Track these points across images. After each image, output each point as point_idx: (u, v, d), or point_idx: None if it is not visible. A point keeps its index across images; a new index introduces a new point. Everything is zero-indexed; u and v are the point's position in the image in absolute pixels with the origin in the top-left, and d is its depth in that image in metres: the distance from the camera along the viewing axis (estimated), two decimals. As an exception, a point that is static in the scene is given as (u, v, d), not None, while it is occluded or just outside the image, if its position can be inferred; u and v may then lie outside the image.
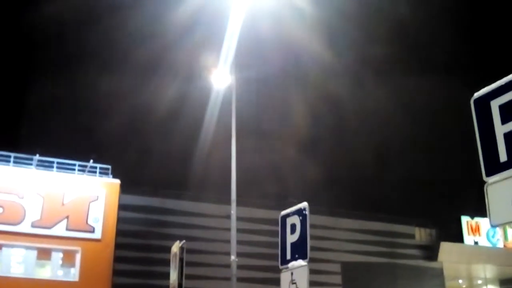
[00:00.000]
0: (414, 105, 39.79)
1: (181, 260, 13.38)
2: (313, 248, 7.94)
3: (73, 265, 25.44)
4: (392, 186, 38.12)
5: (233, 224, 18.19)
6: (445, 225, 36.57)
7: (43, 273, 25.22)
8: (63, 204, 25.69)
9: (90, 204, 26.08)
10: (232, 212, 18.25)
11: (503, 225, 4.86)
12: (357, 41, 35.69)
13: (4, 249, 24.66)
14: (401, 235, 35.94)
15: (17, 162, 26.26)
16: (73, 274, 25.32)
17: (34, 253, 24.98)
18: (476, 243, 36.24)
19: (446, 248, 35.44)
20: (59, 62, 35.79)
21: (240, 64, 19.40)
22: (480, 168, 4.85)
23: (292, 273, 7.95)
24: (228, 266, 17.96)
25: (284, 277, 8.11)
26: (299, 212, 8.09)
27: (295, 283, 7.84)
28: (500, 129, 4.72)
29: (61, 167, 26.90)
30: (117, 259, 26.38)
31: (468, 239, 36.04)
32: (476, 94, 5.05)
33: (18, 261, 24.97)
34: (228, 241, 18.33)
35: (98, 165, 27.38)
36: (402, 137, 38.93)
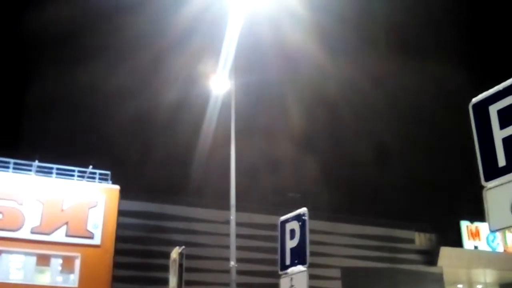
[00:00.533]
0: (413, 108, 39.81)
1: (180, 266, 13.39)
2: (312, 253, 7.95)
3: (72, 271, 25.38)
4: (391, 190, 38.09)
5: (233, 229, 18.18)
6: (444, 230, 36.57)
7: (42, 279, 25.16)
8: (62, 210, 25.65)
9: (90, 210, 26.05)
10: (231, 217, 18.25)
11: (502, 230, 4.86)
12: (356, 45, 35.75)
13: (3, 255, 24.61)
14: (401, 240, 35.94)
15: (16, 168, 26.24)
16: (73, 280, 25.25)
17: (33, 259, 24.93)
18: (476, 247, 36.24)
19: (446, 253, 35.43)
20: (58, 67, 35.80)
21: (239, 69, 19.44)
22: (479, 172, 4.86)
23: (291, 279, 7.96)
24: (227, 271, 17.94)
25: (284, 282, 8.12)
26: (299, 218, 8.11)
27: (294, 288, 7.85)
28: (498, 134, 4.73)
29: (60, 173, 26.87)
30: (116, 265, 26.33)
31: (468, 243, 36.04)
32: (474, 99, 5.06)
33: (17, 267, 24.92)
34: (228, 247, 18.31)
35: (98, 171, 27.36)
36: (401, 140, 38.94)
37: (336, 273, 32.95)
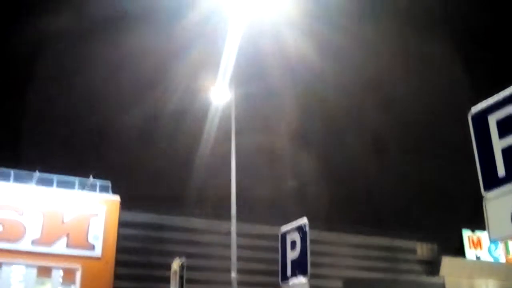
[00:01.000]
0: (413, 116, 39.81)
1: (181, 277, 13.37)
2: (314, 264, 7.93)
3: (73, 283, 25.29)
4: (392, 199, 38.04)
5: (233, 240, 18.14)
6: (446, 239, 36.46)
7: (43, 291, 25.12)
8: (63, 222, 25.61)
9: (90, 221, 26.00)
10: (232, 228, 18.22)
11: (502, 239, 4.87)
12: (357, 55, 35.80)
13: (4, 267, 24.53)
14: (402, 250, 35.80)
15: (17, 179, 26.22)
16: (74, 291, 25.20)
17: (34, 271, 24.86)
18: (478, 257, 36.11)
19: (448, 263, 35.29)
20: (59, 78, 35.88)
21: (240, 80, 19.47)
22: (479, 181, 4.87)
23: (292, 290, 7.93)
24: (228, 283, 17.89)
25: (285, 293, 8.10)
26: (299, 229, 8.09)
27: (295, 299, 7.82)
28: (498, 144, 4.74)
29: (61, 183, 26.85)
30: (117, 277, 26.24)
31: (470, 253, 35.92)
32: (474, 109, 5.08)
33: (18, 279, 24.82)
34: (229, 258, 18.27)
35: (98, 182, 27.33)
36: (403, 149, 38.93)
37: (338, 284, 32.79)
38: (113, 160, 34.11)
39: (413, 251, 36.30)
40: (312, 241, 8.04)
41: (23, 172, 26.55)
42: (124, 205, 27.47)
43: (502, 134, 4.74)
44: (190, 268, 14.92)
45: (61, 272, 25.59)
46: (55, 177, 26.84)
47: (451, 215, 38.83)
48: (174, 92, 30.15)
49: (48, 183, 26.62)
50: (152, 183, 34.10)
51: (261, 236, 29.98)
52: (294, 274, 8.04)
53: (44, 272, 25.13)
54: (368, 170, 40.12)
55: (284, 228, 8.48)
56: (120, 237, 26.95)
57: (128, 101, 34.87)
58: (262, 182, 33.51)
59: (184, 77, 27.80)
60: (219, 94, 19.55)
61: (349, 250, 33.90)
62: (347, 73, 34.75)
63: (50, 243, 25.11)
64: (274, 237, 10.15)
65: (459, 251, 35.93)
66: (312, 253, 7.93)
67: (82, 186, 27.21)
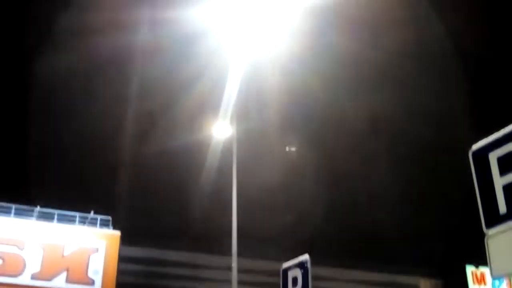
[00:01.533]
0: (413, 148, 39.80)
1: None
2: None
3: (72, 319, 25.04)
4: (395, 235, 37.81)
5: (234, 276, 18.05)
6: (450, 275, 36.15)
7: (42, 327, 24.82)
8: (63, 256, 25.49)
9: (90, 256, 25.87)
10: (233, 264, 18.13)
11: (504, 276, 4.86)
12: (360, 89, 36.00)
13: (3, 302, 24.36)
14: (406, 286, 35.49)
15: (18, 213, 26.21)
16: (73, 328, 24.92)
17: (33, 307, 24.65)
18: (481, 294, 35.75)
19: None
20: (57, 111, 36.07)
21: (241, 115, 19.62)
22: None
23: (294, 327, 7.86)
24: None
25: (287, 331, 8.02)
26: (301, 265, 8.06)
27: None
28: (499, 181, 4.77)
29: (61, 218, 26.82)
30: (117, 313, 25.97)
31: (474, 288, 35.59)
32: (474, 146, 5.13)
33: (17, 315, 24.60)
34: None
35: (99, 217, 27.29)
36: (404, 183, 38.85)
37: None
38: (114, 195, 34.07)
39: (417, 287, 35.96)
40: (314, 277, 8.01)
41: (24, 207, 26.56)
42: (125, 240, 27.36)
43: (503, 172, 4.78)
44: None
45: (60, 308, 25.35)
46: (56, 212, 26.83)
47: (455, 250, 38.52)
48: (176, 126, 30.33)
49: (49, 217, 26.60)
50: (153, 218, 33.98)
51: (262, 272, 29.77)
52: (296, 311, 7.98)
53: (43, 307, 24.90)
54: (371, 206, 40.00)
55: (286, 264, 8.45)
56: (120, 272, 26.77)
57: (131, 135, 34.98)
58: (264, 217, 33.41)
59: (186, 112, 28.01)
60: (221, 130, 19.67)
61: (352, 286, 33.60)
62: (352, 107, 34.90)
63: (49, 277, 24.94)
64: (275, 272, 10.10)
65: (463, 287, 35.59)
66: (314, 289, 7.88)
67: (83, 221, 27.15)
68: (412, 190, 40.27)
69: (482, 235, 4.85)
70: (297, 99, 29.41)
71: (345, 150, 37.50)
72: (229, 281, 18.67)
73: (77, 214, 27.29)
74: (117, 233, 27.10)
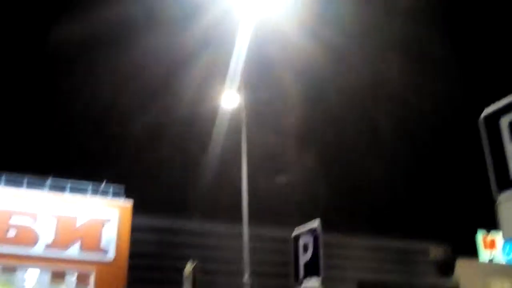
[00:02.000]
0: (425, 118, 39.62)
1: (194, 281, 13.35)
2: (327, 267, 7.88)
3: (87, 287, 25.39)
4: (406, 201, 37.85)
5: (246, 243, 18.10)
6: (460, 240, 36.24)
7: (57, 296, 25.22)
8: (76, 227, 25.75)
9: (103, 226, 26.11)
10: (244, 231, 18.17)
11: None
12: (367, 60, 35.70)
13: (18, 271, 24.69)
14: (416, 252, 35.65)
15: (30, 185, 26.38)
16: (87, 296, 25.29)
17: (48, 276, 24.99)
18: (491, 259, 35.83)
19: (463, 265, 35.00)
20: (70, 84, 36.10)
21: (249, 85, 19.44)
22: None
23: (305, 293, 7.89)
24: (241, 286, 17.85)
25: (298, 297, 8.06)
26: (312, 232, 8.05)
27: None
28: (510, 146, 4.68)
29: (74, 189, 26.97)
30: (130, 281, 26.32)
31: (484, 253, 35.65)
32: (486, 111, 5.01)
33: (32, 284, 24.98)
34: (241, 261, 18.24)
35: (111, 187, 27.43)
36: (415, 154, 38.74)
37: (352, 286, 32.66)
38: (126, 165, 34.23)
39: (427, 253, 36.13)
40: (325, 244, 7.99)
41: (36, 179, 26.71)
42: (137, 209, 27.56)
43: (514, 136, 4.69)
44: (203, 271, 14.92)
45: (74, 277, 25.69)
46: (68, 183, 26.99)
47: (466, 215, 38.55)
48: (185, 96, 30.23)
49: (61, 189, 26.77)
50: (164, 188, 34.17)
51: (273, 239, 29.96)
52: (306, 276, 7.99)
53: (58, 276, 25.25)
54: (381, 174, 39.95)
55: (297, 231, 8.44)
56: (133, 241, 27.04)
57: (141, 106, 34.97)
58: (274, 185, 33.48)
59: (194, 82, 27.87)
60: (229, 99, 19.54)
61: (363, 252, 33.80)
62: (356, 76, 34.65)
63: (63, 247, 25.25)
64: (286, 239, 10.13)
65: (473, 252, 35.69)
66: (325, 256, 7.87)
67: (95, 192, 27.31)
68: (422, 157, 40.13)
69: (492, 201, 4.80)
70: (304, 67, 29.16)
71: (354, 120, 37.34)
72: (240, 249, 18.75)
73: (89, 184, 27.46)
74: (129, 203, 27.28)
